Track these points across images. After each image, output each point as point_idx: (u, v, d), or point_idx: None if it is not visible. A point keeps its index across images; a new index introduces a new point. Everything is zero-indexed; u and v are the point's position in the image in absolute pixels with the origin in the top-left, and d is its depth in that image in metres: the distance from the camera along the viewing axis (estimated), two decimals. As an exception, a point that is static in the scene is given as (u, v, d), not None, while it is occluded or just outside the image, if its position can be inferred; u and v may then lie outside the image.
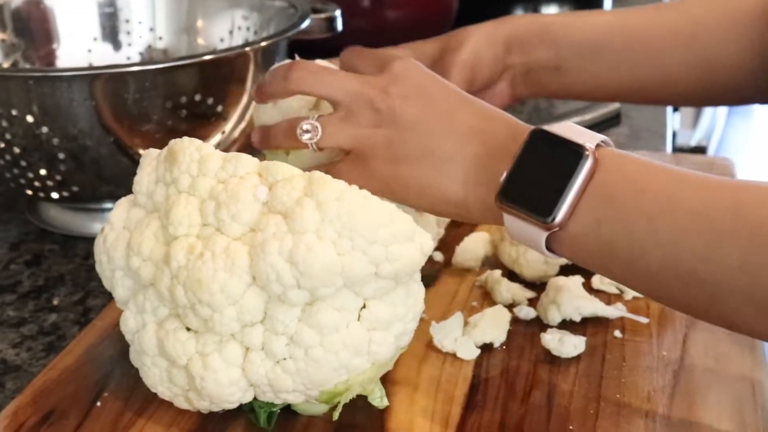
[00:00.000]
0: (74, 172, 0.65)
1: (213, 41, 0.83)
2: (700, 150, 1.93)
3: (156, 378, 0.45)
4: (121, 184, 0.63)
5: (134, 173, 0.46)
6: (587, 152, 0.42)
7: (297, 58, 0.56)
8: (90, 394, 0.49)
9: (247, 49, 0.66)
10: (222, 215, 0.41)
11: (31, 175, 0.65)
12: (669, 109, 0.97)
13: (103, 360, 0.52)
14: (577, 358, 0.51)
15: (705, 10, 0.66)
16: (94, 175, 0.66)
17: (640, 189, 0.42)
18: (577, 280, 0.56)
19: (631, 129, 0.90)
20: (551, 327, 0.54)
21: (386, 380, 0.48)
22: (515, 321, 0.55)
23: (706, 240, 0.39)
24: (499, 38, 0.66)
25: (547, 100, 0.96)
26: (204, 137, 0.67)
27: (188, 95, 0.64)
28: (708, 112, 2.26)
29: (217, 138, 0.69)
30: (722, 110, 2.59)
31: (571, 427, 0.46)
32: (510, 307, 0.56)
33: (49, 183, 0.66)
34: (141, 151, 0.64)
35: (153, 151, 0.46)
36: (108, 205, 0.69)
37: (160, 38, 0.84)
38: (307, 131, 0.48)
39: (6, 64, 0.80)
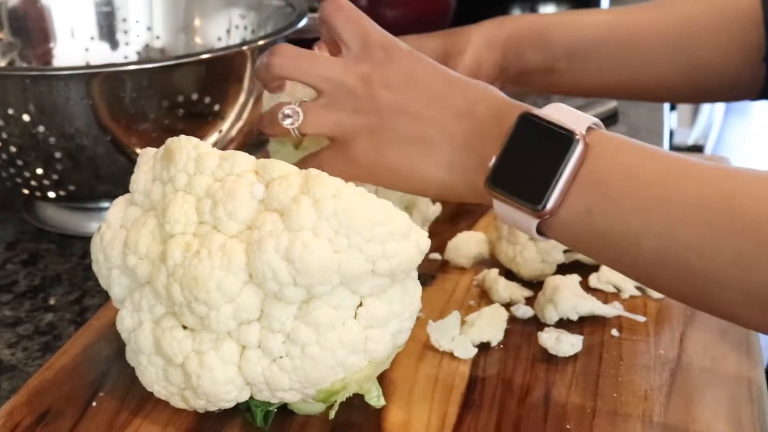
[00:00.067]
0: (71, 171, 0.65)
1: (210, 40, 0.83)
2: (698, 148, 1.94)
3: (152, 377, 0.45)
4: (118, 184, 0.63)
5: (131, 172, 0.46)
6: (577, 137, 0.42)
7: None
8: (86, 393, 0.49)
9: (245, 48, 0.66)
10: (219, 213, 0.41)
11: (27, 174, 0.65)
12: (666, 107, 0.97)
13: (99, 359, 0.52)
14: (574, 356, 0.51)
15: (696, 11, 0.67)
16: (91, 175, 0.65)
17: (633, 177, 0.41)
18: (575, 278, 0.56)
19: (628, 127, 0.90)
20: (548, 326, 0.54)
21: (383, 379, 0.48)
22: (512, 320, 0.55)
23: (699, 233, 0.39)
24: (498, 42, 0.67)
25: (545, 97, 0.96)
26: (201, 136, 0.67)
27: (185, 94, 0.64)
28: (705, 110, 2.26)
29: (214, 137, 0.69)
30: (719, 109, 2.59)
31: (568, 426, 0.46)
32: (507, 306, 0.56)
33: (46, 182, 0.66)
34: (138, 150, 0.64)
35: (150, 150, 0.46)
36: (105, 204, 0.69)
37: (158, 37, 0.84)
38: (288, 116, 0.47)
39: (2, 63, 0.80)
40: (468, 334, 0.52)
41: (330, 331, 0.41)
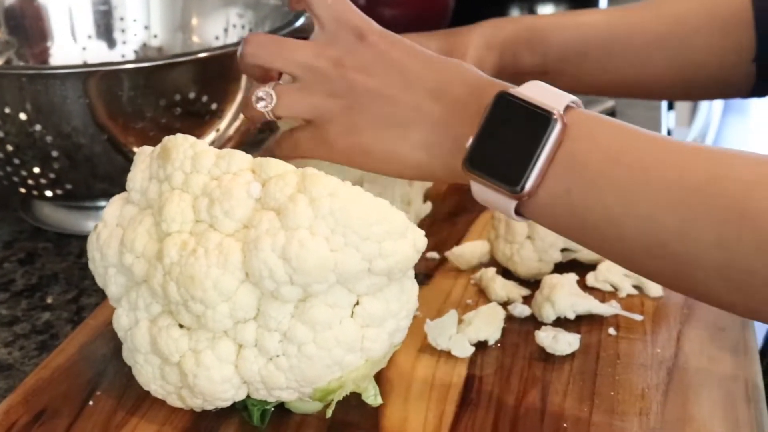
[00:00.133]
0: (68, 170, 0.65)
1: (208, 39, 0.83)
2: (696, 148, 1.92)
3: (149, 376, 0.45)
4: (115, 182, 0.63)
5: (128, 171, 0.46)
6: (555, 116, 0.41)
7: None
8: (82, 392, 0.49)
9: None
10: (215, 212, 0.41)
11: (24, 173, 0.65)
12: (664, 106, 0.97)
13: (96, 359, 0.52)
14: (572, 355, 0.51)
15: (688, 12, 0.67)
16: (88, 173, 0.65)
17: (613, 157, 0.41)
18: (572, 277, 0.56)
19: (626, 127, 0.90)
20: (546, 324, 0.54)
21: (380, 378, 0.48)
22: (510, 319, 0.55)
23: (680, 215, 0.39)
24: (496, 44, 0.68)
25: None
26: (199, 135, 0.67)
27: (183, 93, 0.64)
28: (703, 109, 2.26)
29: (211, 136, 0.69)
30: (717, 108, 2.59)
31: (565, 425, 0.46)
32: (504, 304, 0.56)
33: (43, 181, 0.66)
34: (135, 149, 0.64)
35: (147, 149, 0.46)
36: (102, 203, 0.69)
37: (155, 36, 0.84)
38: (261, 99, 0.47)
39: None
40: (465, 332, 0.52)
41: (327, 329, 0.41)
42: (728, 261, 0.38)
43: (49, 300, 0.62)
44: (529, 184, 0.41)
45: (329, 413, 0.44)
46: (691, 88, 0.70)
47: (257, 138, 0.58)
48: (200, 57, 0.65)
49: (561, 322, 0.54)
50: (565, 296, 0.54)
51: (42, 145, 0.63)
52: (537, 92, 0.43)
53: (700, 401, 0.47)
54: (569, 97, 0.43)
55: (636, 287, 0.58)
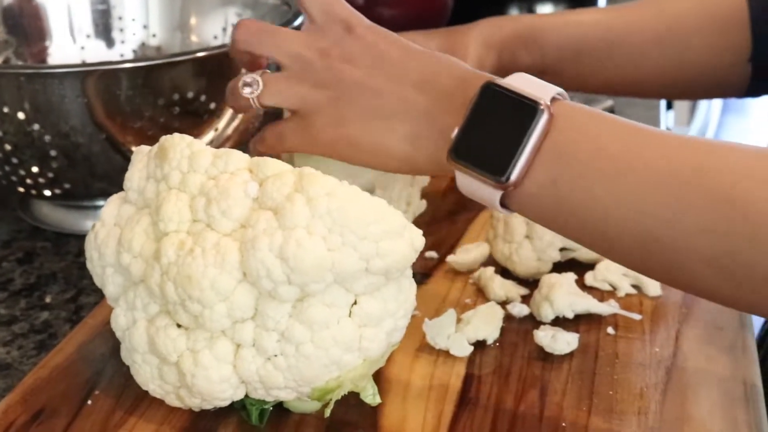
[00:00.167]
0: (66, 169, 0.65)
1: (206, 38, 0.83)
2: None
3: (147, 375, 0.45)
4: (113, 182, 0.63)
5: (127, 170, 0.46)
6: (542, 107, 0.41)
7: None
8: (81, 392, 0.48)
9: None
10: (212, 211, 0.41)
11: (22, 172, 0.65)
12: (663, 106, 0.97)
13: (95, 358, 0.52)
14: (570, 354, 0.51)
15: (685, 11, 0.68)
16: (87, 173, 0.65)
17: (600, 147, 0.40)
18: (570, 277, 0.56)
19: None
20: (544, 324, 0.54)
21: (379, 377, 0.48)
22: (508, 318, 0.55)
23: (667, 204, 0.38)
24: (495, 44, 0.68)
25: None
26: (197, 135, 0.67)
27: (181, 92, 0.64)
28: (702, 109, 2.26)
29: (210, 135, 0.69)
30: (716, 107, 2.59)
31: (563, 424, 0.46)
32: (503, 304, 0.56)
33: (41, 180, 0.66)
34: (133, 149, 0.64)
35: (144, 148, 0.46)
36: (100, 202, 0.69)
37: (154, 35, 0.84)
38: (248, 84, 0.47)
39: (-2, 61, 0.80)
40: (464, 332, 0.52)
41: (324, 329, 0.41)
42: (716, 249, 0.38)
43: (48, 299, 0.62)
44: (515, 175, 0.41)
45: (328, 412, 0.44)
46: (687, 88, 0.70)
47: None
48: (199, 56, 0.64)
49: (559, 322, 0.54)
50: (563, 295, 0.54)
51: (40, 144, 0.63)
52: (523, 83, 0.42)
53: (699, 400, 0.47)
54: (555, 89, 0.42)
55: (635, 287, 0.58)
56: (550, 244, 0.58)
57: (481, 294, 0.58)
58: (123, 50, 0.83)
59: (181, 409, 0.46)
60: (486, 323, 0.53)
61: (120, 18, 0.83)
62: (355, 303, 0.42)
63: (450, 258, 0.60)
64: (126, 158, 0.64)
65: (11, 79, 0.61)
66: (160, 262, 0.41)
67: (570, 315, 0.54)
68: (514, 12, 1.14)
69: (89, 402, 0.48)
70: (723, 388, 0.48)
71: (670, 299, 0.56)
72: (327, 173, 0.41)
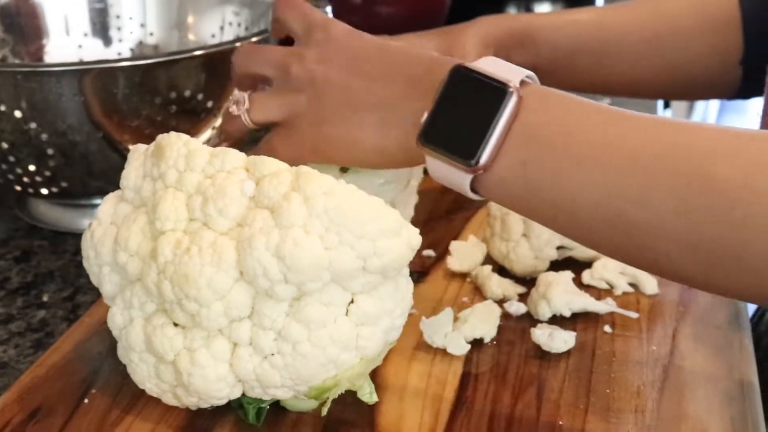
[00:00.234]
0: (63, 167, 0.65)
1: (204, 37, 0.83)
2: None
3: (144, 374, 0.45)
4: (110, 180, 0.63)
5: (123, 169, 0.46)
6: (511, 89, 0.41)
7: None
8: (77, 391, 0.48)
9: (238, 44, 0.66)
10: (209, 210, 0.41)
11: (19, 170, 0.65)
12: (660, 105, 0.98)
13: (91, 357, 0.52)
14: (567, 353, 0.51)
15: (677, 13, 0.68)
16: (84, 171, 0.65)
17: (569, 130, 0.40)
18: (568, 275, 0.56)
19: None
20: (541, 322, 0.54)
21: (376, 376, 0.48)
22: (505, 316, 0.55)
23: (639, 184, 0.38)
24: (492, 42, 0.68)
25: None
26: (194, 133, 0.67)
27: (178, 91, 0.64)
28: (700, 108, 2.26)
29: (207, 134, 0.69)
30: (714, 106, 2.59)
31: (560, 422, 0.46)
32: (500, 302, 0.56)
33: (38, 179, 0.66)
34: (130, 147, 0.64)
35: (141, 147, 0.46)
36: (97, 200, 0.69)
37: (151, 34, 0.84)
38: (236, 102, 0.49)
39: (-5, 60, 0.80)
40: (461, 330, 0.52)
41: (321, 328, 0.41)
42: (689, 229, 0.37)
43: (45, 298, 0.62)
44: (484, 157, 0.41)
45: (324, 411, 0.44)
46: (681, 88, 0.71)
47: (253, 136, 0.58)
48: (196, 55, 0.64)
49: (557, 320, 0.54)
50: (560, 294, 0.54)
51: (37, 142, 0.63)
52: (492, 66, 0.42)
53: (696, 398, 0.47)
54: (525, 72, 0.42)
55: (632, 285, 0.58)
56: (548, 242, 0.58)
57: (479, 292, 0.58)
58: (120, 49, 0.83)
59: (178, 408, 0.46)
60: (483, 322, 0.53)
61: (117, 16, 0.83)
62: (352, 302, 0.42)
63: (449, 261, 0.60)
64: (123, 157, 0.64)
65: (8, 77, 0.61)
66: (156, 261, 0.41)
67: (567, 313, 0.54)
68: (512, 10, 1.14)
69: (86, 401, 0.48)
70: (720, 386, 0.48)
71: (667, 297, 0.56)
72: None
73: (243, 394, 0.44)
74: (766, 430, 0.46)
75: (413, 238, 0.42)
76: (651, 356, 0.51)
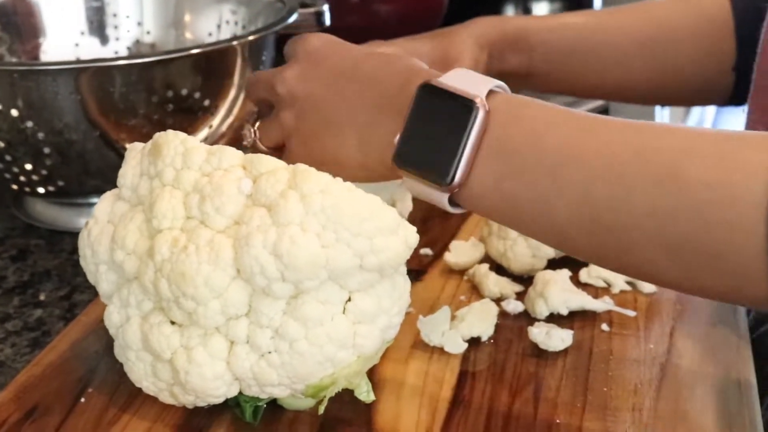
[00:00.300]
0: (60, 166, 0.64)
1: (201, 35, 0.82)
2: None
3: (141, 373, 0.44)
4: (107, 179, 0.63)
5: (120, 167, 0.46)
6: (477, 104, 0.41)
7: None
8: (74, 389, 0.48)
9: (235, 43, 0.66)
10: (206, 208, 0.41)
11: (16, 169, 0.65)
12: (657, 105, 0.97)
13: (88, 355, 0.51)
14: (565, 351, 0.51)
15: (671, 18, 0.69)
16: (80, 170, 0.65)
17: (539, 139, 0.40)
18: (565, 273, 0.56)
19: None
20: (539, 320, 0.54)
21: (373, 374, 0.48)
22: (503, 315, 0.55)
23: (612, 188, 0.38)
24: (486, 45, 0.68)
25: (534, 94, 0.97)
26: (191, 132, 0.67)
27: (175, 89, 0.64)
28: (697, 108, 2.26)
29: (204, 132, 0.69)
30: (711, 107, 2.60)
31: (558, 421, 0.46)
32: (497, 300, 0.56)
33: (35, 177, 0.65)
34: (127, 146, 0.64)
35: (138, 145, 0.46)
36: (94, 199, 0.69)
37: (148, 32, 0.83)
38: (244, 135, 0.51)
39: (-9, 58, 0.79)
40: (458, 329, 0.52)
41: (318, 326, 0.41)
42: (663, 230, 0.37)
43: (42, 297, 0.62)
44: (458, 176, 0.41)
45: (322, 410, 0.44)
46: (673, 94, 0.71)
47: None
48: (193, 53, 0.64)
49: (554, 318, 0.54)
50: (558, 292, 0.54)
51: (34, 141, 0.63)
52: (459, 80, 0.42)
53: (693, 397, 0.47)
54: (493, 82, 0.42)
55: (629, 283, 0.58)
56: (545, 241, 0.58)
57: (476, 291, 0.58)
58: (117, 47, 0.83)
59: (175, 407, 0.46)
60: (480, 320, 0.53)
61: (114, 15, 0.83)
62: (349, 300, 0.42)
63: (447, 256, 0.60)
64: (120, 155, 0.64)
65: (4, 76, 0.61)
66: (153, 259, 0.41)
67: (564, 312, 0.54)
68: (509, 11, 1.14)
69: (83, 399, 0.48)
70: (717, 384, 0.48)
71: (664, 296, 0.56)
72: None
73: (240, 393, 0.44)
74: (763, 428, 0.46)
75: (410, 236, 0.42)
76: (648, 354, 0.51)
